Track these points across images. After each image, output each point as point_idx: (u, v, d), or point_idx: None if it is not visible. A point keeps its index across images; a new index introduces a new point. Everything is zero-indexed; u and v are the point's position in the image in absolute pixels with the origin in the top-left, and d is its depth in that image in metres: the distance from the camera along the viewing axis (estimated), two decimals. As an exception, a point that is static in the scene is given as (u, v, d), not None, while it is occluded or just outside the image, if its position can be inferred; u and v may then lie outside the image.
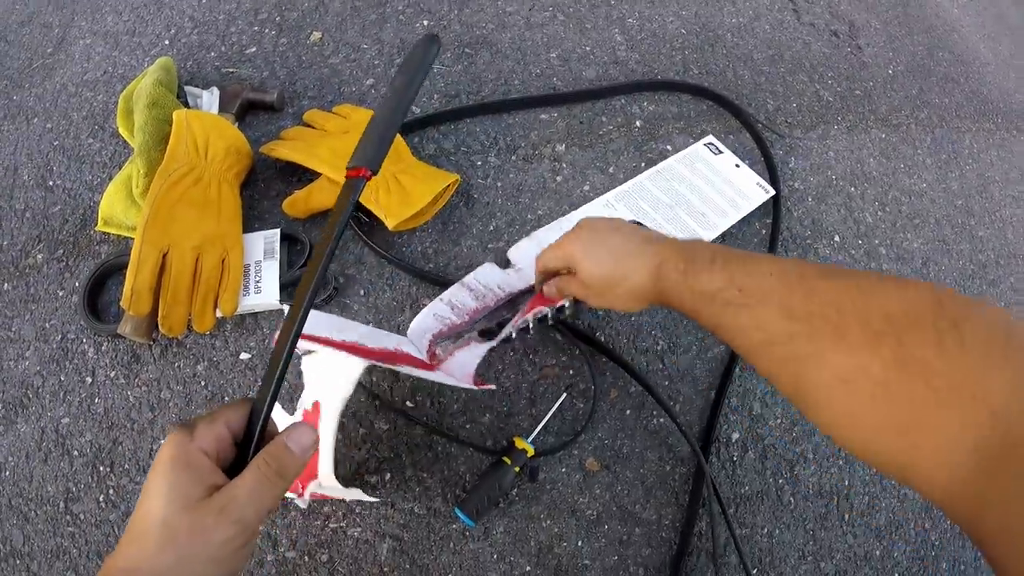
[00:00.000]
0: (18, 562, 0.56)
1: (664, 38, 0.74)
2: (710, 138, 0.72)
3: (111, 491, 0.57)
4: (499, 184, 0.62)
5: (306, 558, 0.52)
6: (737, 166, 0.69)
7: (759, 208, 0.67)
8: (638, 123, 0.67)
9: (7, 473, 0.60)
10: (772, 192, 0.67)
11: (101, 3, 0.78)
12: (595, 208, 0.62)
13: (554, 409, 0.53)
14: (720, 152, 0.71)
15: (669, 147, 0.66)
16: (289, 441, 0.31)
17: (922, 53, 1.02)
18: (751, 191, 0.69)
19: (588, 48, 0.72)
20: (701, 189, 0.67)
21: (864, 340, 0.27)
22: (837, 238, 0.71)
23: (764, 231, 0.65)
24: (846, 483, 0.58)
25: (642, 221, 0.61)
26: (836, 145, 0.76)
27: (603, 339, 0.56)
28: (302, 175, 0.58)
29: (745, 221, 0.65)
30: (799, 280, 0.32)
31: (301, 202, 0.55)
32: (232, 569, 0.30)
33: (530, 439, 0.52)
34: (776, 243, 0.64)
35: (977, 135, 0.94)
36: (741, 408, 0.59)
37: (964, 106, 0.96)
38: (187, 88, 0.63)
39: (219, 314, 0.54)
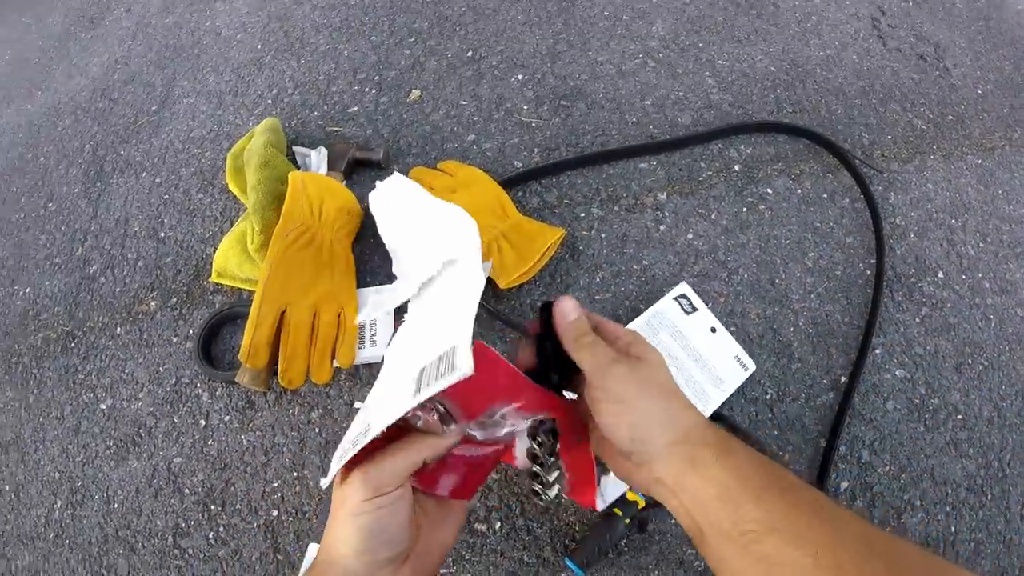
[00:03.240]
0: None
1: (755, 78, 0.73)
2: (683, 287, 0.59)
3: (221, 529, 0.60)
4: (603, 235, 0.62)
5: (416, 604, 0.53)
6: (713, 330, 0.57)
7: (861, 247, 0.65)
8: (737, 167, 0.67)
9: (116, 505, 0.63)
10: (751, 368, 0.56)
11: (202, 64, 0.82)
12: None
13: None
14: (694, 310, 0.58)
15: (769, 190, 0.65)
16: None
17: (1009, 68, 0.97)
18: (727, 369, 0.55)
19: (681, 93, 0.72)
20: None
21: None
22: (941, 274, 0.68)
23: (868, 272, 0.63)
24: (952, 530, 0.56)
25: None
26: (934, 176, 0.73)
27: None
28: (410, 229, 0.60)
29: (849, 262, 0.64)
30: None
31: (415, 258, 0.56)
32: None
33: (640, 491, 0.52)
34: (881, 285, 0.62)
35: (1072, 151, 0.89)
36: (850, 456, 0.57)
37: (1057, 122, 0.92)
38: (296, 148, 0.66)
39: (336, 366, 0.56)
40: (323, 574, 0.32)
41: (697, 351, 0.56)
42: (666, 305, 0.58)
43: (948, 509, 0.57)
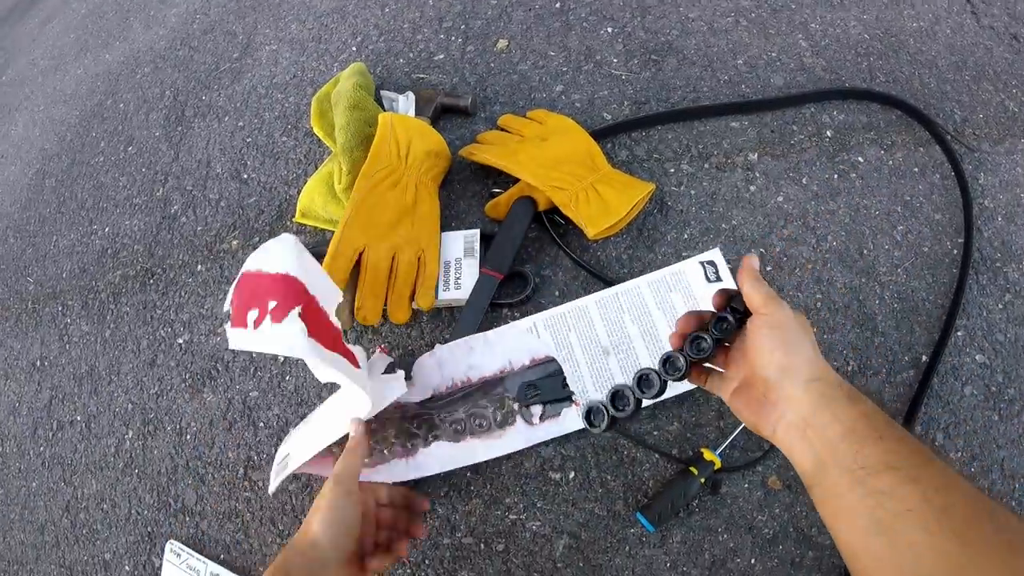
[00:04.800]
0: (187, 519, 0.62)
1: (848, 44, 0.71)
2: (714, 253, 0.57)
3: (292, 464, 0.61)
4: (692, 192, 0.62)
5: (482, 545, 0.54)
6: None
7: (949, 225, 0.63)
8: (829, 132, 0.65)
9: (188, 437, 0.65)
10: None
11: (283, 12, 0.83)
12: (516, 331, 0.55)
13: (744, 425, 0.53)
14: (717, 279, 0.55)
15: (861, 159, 0.63)
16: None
17: (1104, 59, 0.93)
18: None
19: (774, 54, 0.70)
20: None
21: None
22: (1028, 261, 0.66)
23: (956, 251, 0.61)
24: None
25: (558, 359, 0.54)
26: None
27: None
28: (496, 178, 0.60)
29: (936, 239, 0.62)
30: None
31: (503, 205, 0.57)
32: None
33: (718, 451, 0.52)
34: (968, 265, 0.60)
35: None
36: (925, 437, 0.56)
37: None
38: (383, 92, 0.66)
39: (415, 307, 0.57)
40: (304, 554, 0.42)
41: None
42: (689, 267, 0.56)
43: (1014, 504, 0.55)
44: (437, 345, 0.56)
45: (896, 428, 0.33)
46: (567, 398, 0.54)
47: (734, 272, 0.56)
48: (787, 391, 0.36)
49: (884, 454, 0.32)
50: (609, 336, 0.55)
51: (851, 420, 0.33)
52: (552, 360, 0.55)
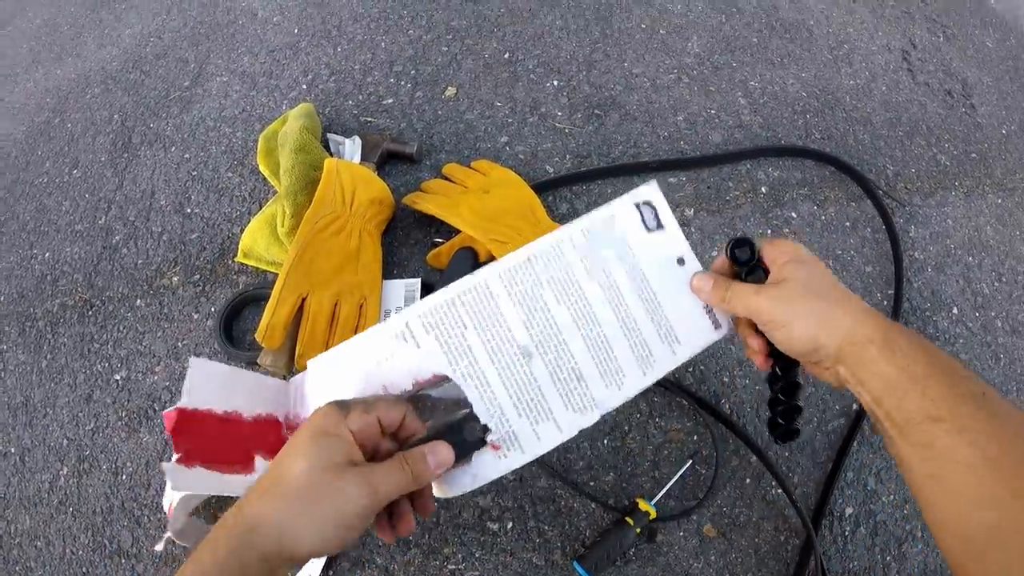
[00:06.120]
0: (123, 561, 0.60)
1: (786, 101, 0.74)
2: (651, 189, 0.41)
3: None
4: None
5: (420, 596, 0.53)
6: (681, 262, 0.40)
7: (880, 277, 0.66)
8: (763, 189, 0.68)
9: (124, 477, 0.63)
10: (725, 328, 0.40)
11: (237, 43, 0.82)
12: (385, 335, 0.36)
13: (679, 475, 0.54)
14: (659, 227, 0.40)
15: (794, 214, 0.66)
16: (429, 454, 0.34)
17: (1033, 111, 0.99)
18: (689, 323, 0.39)
19: (713, 111, 0.73)
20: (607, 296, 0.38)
21: None
22: (955, 310, 0.69)
23: (886, 302, 0.64)
24: (954, 565, 0.57)
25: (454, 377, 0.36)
26: (954, 212, 0.74)
27: (727, 408, 0.57)
28: (439, 226, 0.60)
29: (866, 291, 0.64)
30: None
31: (444, 255, 0.57)
32: (343, 541, 0.31)
33: (653, 502, 0.53)
34: (899, 316, 0.63)
35: (1092, 197, 0.90)
36: (856, 482, 0.58)
37: (1079, 167, 0.93)
38: (330, 135, 0.66)
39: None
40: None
41: (650, 288, 0.39)
42: (621, 211, 0.40)
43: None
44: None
45: (941, 374, 0.32)
46: (479, 440, 0.36)
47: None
48: (829, 360, 0.36)
49: (927, 405, 0.32)
50: (528, 328, 0.37)
51: (888, 374, 0.34)
52: (446, 381, 0.36)
